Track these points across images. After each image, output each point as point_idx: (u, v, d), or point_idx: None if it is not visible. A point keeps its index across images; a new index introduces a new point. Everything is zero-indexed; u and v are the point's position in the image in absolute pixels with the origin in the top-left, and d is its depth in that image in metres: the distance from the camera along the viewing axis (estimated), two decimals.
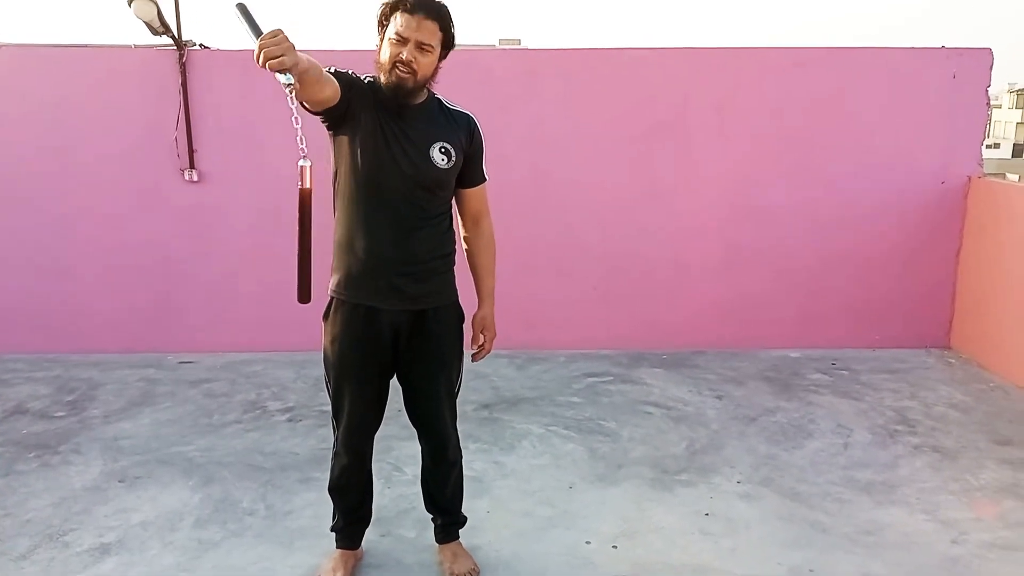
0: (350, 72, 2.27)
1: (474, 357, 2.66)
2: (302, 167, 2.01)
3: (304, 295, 2.09)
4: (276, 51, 1.81)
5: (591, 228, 5.07)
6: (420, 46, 2.22)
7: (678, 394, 4.43)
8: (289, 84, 1.88)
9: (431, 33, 2.23)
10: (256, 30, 1.89)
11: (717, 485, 3.39)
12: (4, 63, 4.93)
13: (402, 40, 2.21)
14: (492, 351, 2.71)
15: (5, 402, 4.33)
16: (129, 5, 4.45)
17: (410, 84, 2.26)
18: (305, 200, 2.04)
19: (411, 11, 2.20)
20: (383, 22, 2.27)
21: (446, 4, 2.28)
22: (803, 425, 4.01)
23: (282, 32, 1.84)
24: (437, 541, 2.80)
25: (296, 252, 2.06)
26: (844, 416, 4.12)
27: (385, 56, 2.25)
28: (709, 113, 4.96)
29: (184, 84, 4.79)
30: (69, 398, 4.39)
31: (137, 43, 4.93)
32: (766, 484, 3.40)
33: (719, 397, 4.39)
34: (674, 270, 5.13)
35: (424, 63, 2.25)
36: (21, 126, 4.89)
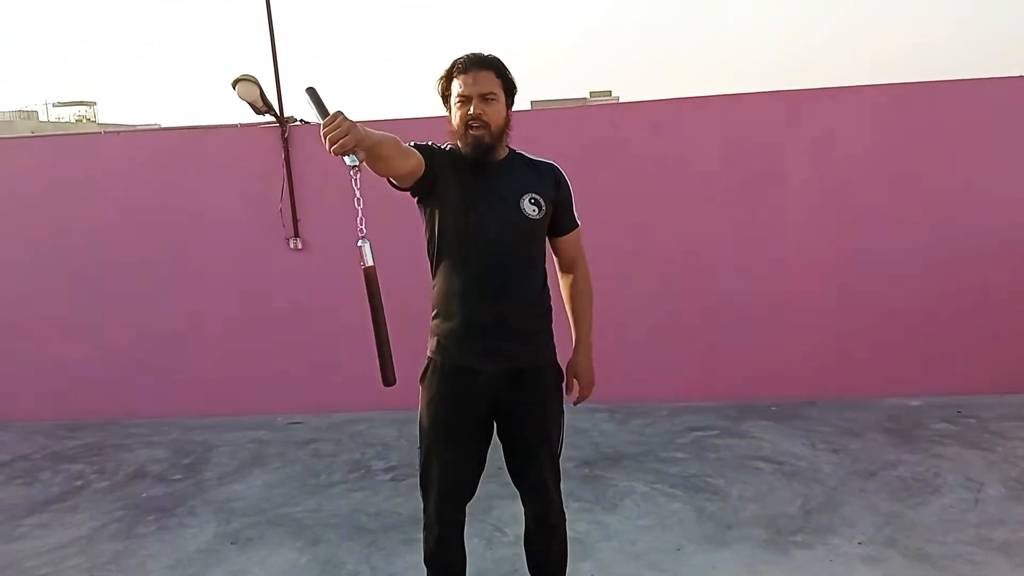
0: (430, 143, 2.32)
1: (574, 402, 2.61)
2: (360, 247, 2.04)
3: (388, 378, 2.08)
4: (338, 135, 1.87)
5: (691, 277, 4.98)
6: (483, 97, 2.27)
7: (790, 448, 4.24)
8: (354, 166, 1.91)
9: (490, 82, 2.28)
10: (323, 111, 1.96)
11: (837, 547, 3.20)
12: (118, 147, 5.33)
13: (466, 99, 2.28)
14: (591, 403, 2.65)
15: (127, 466, 4.55)
16: (234, 88, 4.73)
17: (487, 138, 2.29)
18: (371, 279, 2.05)
19: (464, 71, 2.28)
20: (445, 94, 2.35)
21: (494, 54, 2.33)
22: (928, 479, 3.76)
23: (342, 115, 1.90)
24: None
25: (373, 335, 2.05)
26: (973, 469, 3.84)
27: (456, 120, 2.32)
28: (807, 154, 4.83)
29: (287, 158, 5.02)
30: (185, 461, 4.57)
31: (242, 122, 5.22)
32: (890, 545, 3.18)
33: (835, 451, 4.17)
34: (780, 317, 4.96)
35: (492, 112, 2.29)
36: (139, 203, 5.24)
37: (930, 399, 4.81)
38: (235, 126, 5.24)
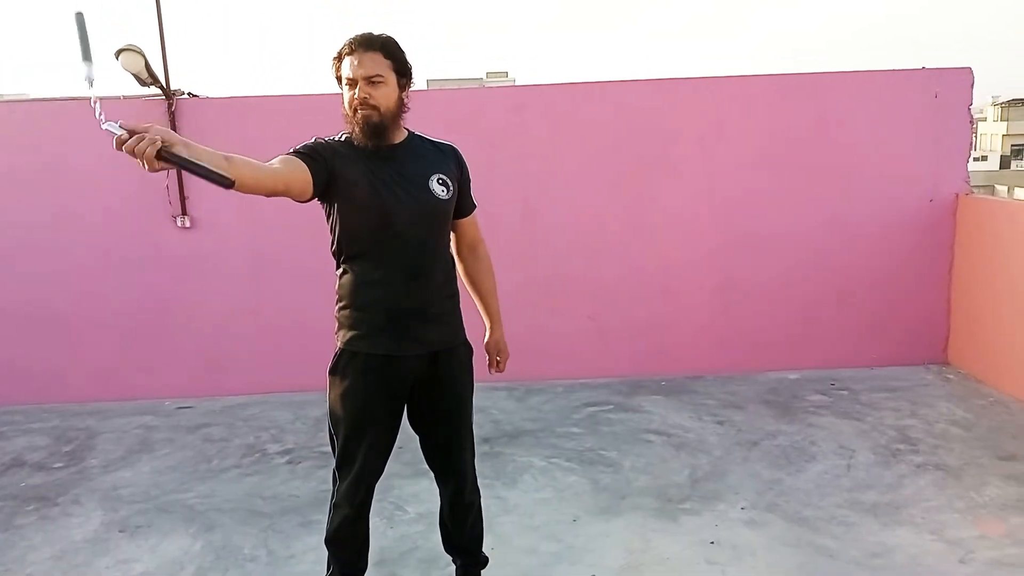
0: (315, 140, 2.26)
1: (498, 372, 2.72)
2: (107, 129, 1.83)
3: (227, 180, 1.86)
4: (142, 147, 1.77)
5: (584, 259, 5.09)
6: (369, 80, 2.21)
7: (679, 421, 4.42)
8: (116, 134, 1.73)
9: (376, 64, 2.22)
10: (86, 50, 1.76)
11: (722, 512, 3.37)
12: None
13: (352, 82, 2.23)
14: (490, 381, 2.80)
15: (3, 455, 4.30)
16: (116, 58, 4.49)
17: (376, 119, 2.24)
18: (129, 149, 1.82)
19: (351, 52, 2.23)
20: (338, 75, 2.28)
21: (388, 34, 2.28)
22: (805, 448, 4.00)
23: (148, 135, 1.78)
24: None
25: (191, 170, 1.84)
26: (845, 437, 4.11)
27: (344, 102, 2.27)
28: (696, 142, 5.01)
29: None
30: (67, 448, 4.36)
31: (126, 94, 4.96)
32: (771, 510, 3.38)
33: (720, 422, 4.38)
34: (668, 297, 5.14)
35: (380, 95, 2.23)
36: (13, 179, 4.92)
37: (806, 373, 5.11)
38: (118, 98, 4.99)
